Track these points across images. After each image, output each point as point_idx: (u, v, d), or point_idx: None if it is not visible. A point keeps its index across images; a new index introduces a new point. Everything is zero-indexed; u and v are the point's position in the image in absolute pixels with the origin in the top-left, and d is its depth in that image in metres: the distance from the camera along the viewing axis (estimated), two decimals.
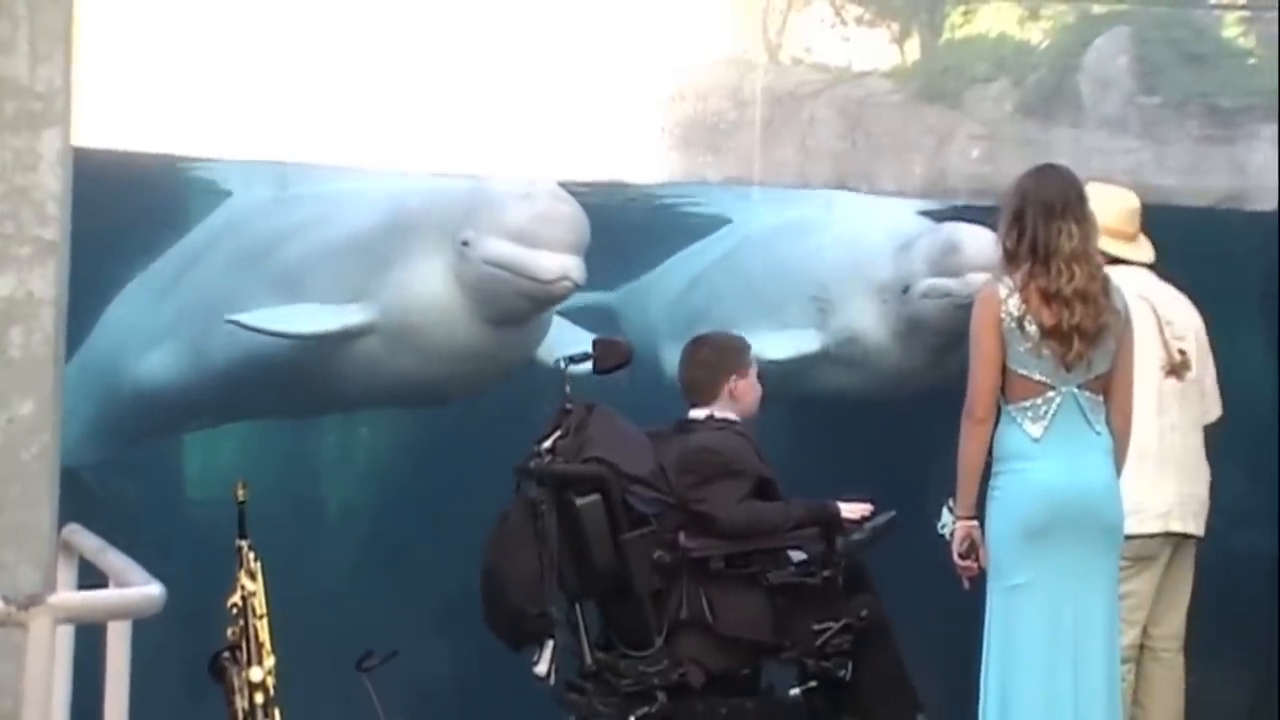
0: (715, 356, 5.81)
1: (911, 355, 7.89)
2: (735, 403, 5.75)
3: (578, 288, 7.21)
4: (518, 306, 7.35)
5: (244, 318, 7.47)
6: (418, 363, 7.52)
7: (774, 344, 7.12)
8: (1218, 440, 6.20)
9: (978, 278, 7.25)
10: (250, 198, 8.32)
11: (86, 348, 8.09)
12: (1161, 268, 6.15)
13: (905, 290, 7.79)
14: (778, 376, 6.89)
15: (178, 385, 8.03)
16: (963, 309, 7.22)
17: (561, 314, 7.75)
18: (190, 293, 8.07)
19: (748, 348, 5.88)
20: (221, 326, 7.59)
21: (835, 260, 8.22)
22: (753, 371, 5.83)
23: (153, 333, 8.14)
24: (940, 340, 7.61)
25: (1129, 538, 5.45)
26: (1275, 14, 8.53)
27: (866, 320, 7.98)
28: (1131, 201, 6.22)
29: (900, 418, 8.05)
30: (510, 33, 7.88)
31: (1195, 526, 6.04)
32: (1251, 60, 9.01)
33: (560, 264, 7.10)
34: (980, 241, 7.41)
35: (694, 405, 5.78)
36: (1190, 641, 6.12)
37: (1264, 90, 8.31)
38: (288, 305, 7.54)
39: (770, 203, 8.84)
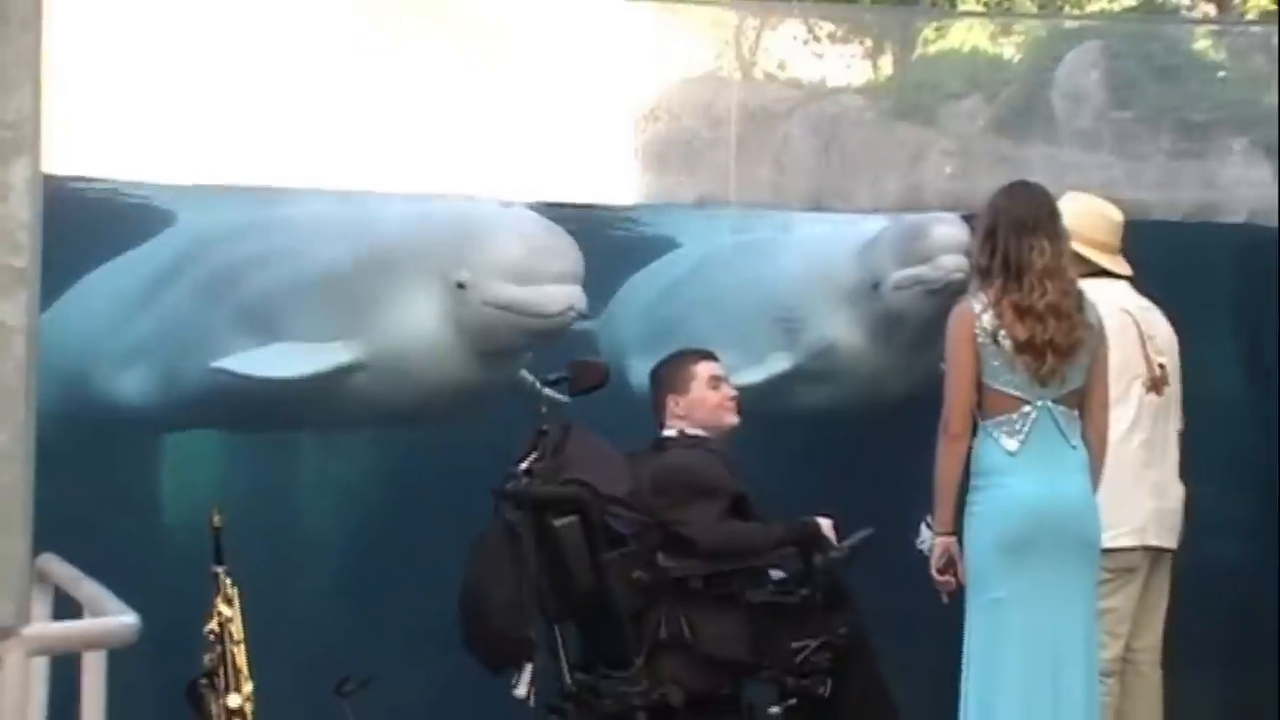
0: (656, 382, 5.92)
1: (888, 355, 7.84)
2: (686, 420, 5.77)
3: (582, 316, 7.19)
4: (520, 343, 7.30)
5: (228, 363, 7.40)
6: (402, 396, 7.46)
7: (744, 370, 7.08)
8: (1195, 453, 6.21)
9: (948, 259, 7.31)
10: (216, 223, 8.22)
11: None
12: (1139, 281, 6.16)
13: (875, 287, 7.73)
14: (755, 396, 6.87)
15: (149, 405, 7.93)
16: (935, 295, 7.28)
17: None
18: (158, 317, 7.96)
19: (690, 363, 5.90)
20: (194, 352, 7.52)
21: (797, 275, 8.17)
22: (697, 384, 5.84)
23: (120, 348, 8.01)
24: (916, 332, 7.55)
25: (1108, 552, 5.46)
26: (1243, 28, 8.57)
27: (838, 329, 7.93)
28: (1117, 215, 6.23)
29: (878, 432, 8.02)
30: (480, 51, 7.86)
31: (1171, 540, 6.04)
32: (1221, 73, 9.04)
33: (565, 295, 7.04)
34: (946, 225, 7.43)
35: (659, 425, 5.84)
36: (1177, 656, 6.11)
37: (1234, 103, 8.34)
38: (269, 345, 7.45)
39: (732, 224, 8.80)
